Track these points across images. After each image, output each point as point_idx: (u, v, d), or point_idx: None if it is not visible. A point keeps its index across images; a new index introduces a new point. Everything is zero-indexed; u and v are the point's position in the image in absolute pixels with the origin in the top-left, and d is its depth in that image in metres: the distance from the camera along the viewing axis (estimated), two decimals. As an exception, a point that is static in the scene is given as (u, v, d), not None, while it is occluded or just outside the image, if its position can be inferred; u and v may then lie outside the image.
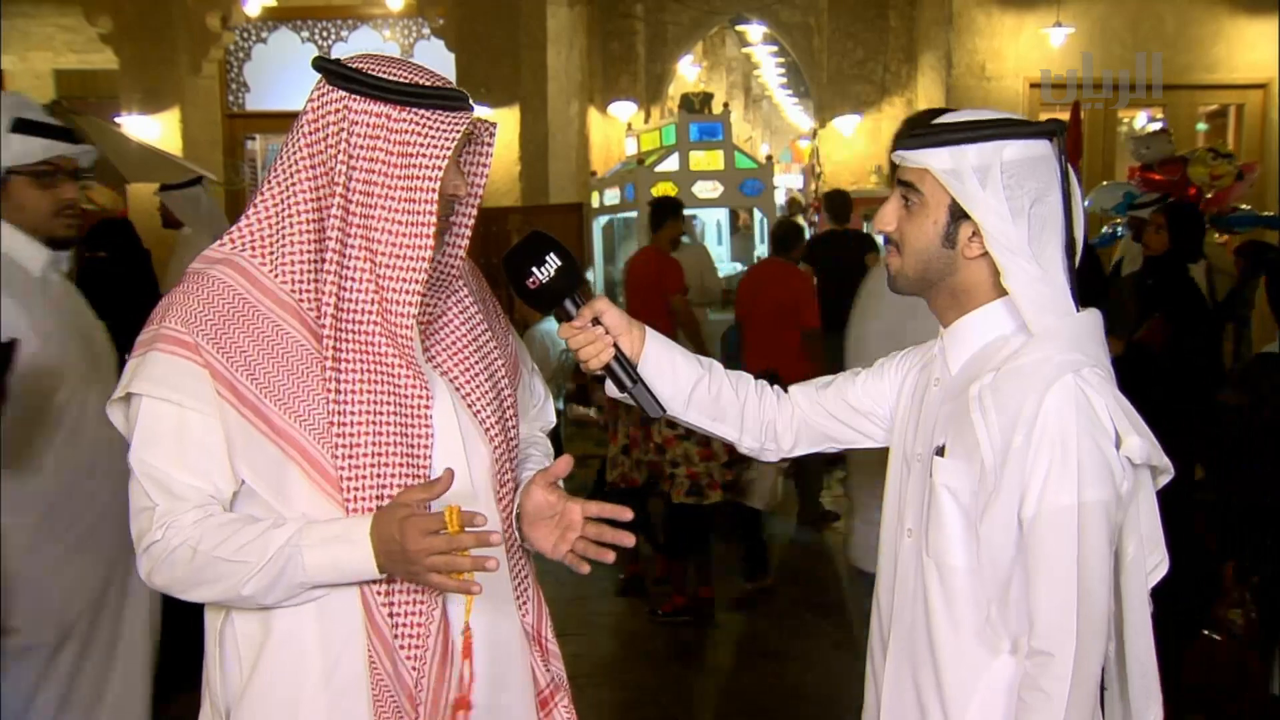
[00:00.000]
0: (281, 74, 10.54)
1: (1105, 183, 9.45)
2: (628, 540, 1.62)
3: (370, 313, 1.50)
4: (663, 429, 4.71)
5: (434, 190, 1.49)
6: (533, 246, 1.65)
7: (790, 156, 16.94)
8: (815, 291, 6.10)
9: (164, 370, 1.47)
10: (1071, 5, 10.54)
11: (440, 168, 1.48)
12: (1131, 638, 1.61)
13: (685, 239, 7.41)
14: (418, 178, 1.49)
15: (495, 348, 1.69)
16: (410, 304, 1.51)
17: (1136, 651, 1.62)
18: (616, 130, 11.74)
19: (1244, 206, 8.48)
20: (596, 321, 1.67)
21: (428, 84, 1.50)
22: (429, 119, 1.48)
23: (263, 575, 1.44)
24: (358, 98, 1.48)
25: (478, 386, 1.63)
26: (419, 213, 1.49)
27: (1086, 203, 9.06)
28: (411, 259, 1.50)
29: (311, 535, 1.45)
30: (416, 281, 1.50)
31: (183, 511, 1.47)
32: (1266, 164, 9.91)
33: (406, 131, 1.48)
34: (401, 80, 1.49)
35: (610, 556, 1.62)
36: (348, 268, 1.50)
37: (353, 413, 1.49)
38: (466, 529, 1.40)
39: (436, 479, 1.44)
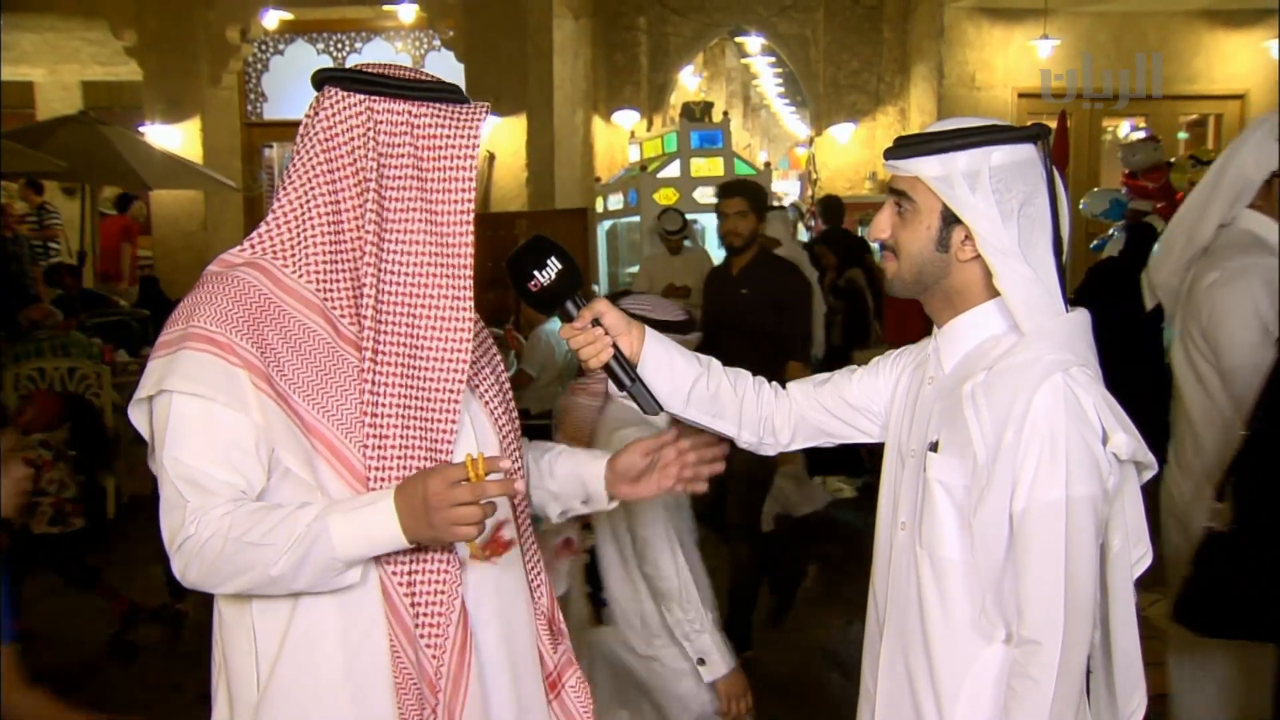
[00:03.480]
0: (298, 84, 10.77)
1: (1095, 189, 9.76)
2: (719, 468, 1.79)
3: (412, 307, 1.52)
4: None
5: (471, 178, 1.52)
6: (534, 250, 1.68)
7: (788, 163, 17.20)
8: None
9: (195, 368, 1.46)
10: (1058, 19, 10.86)
11: (473, 156, 1.52)
12: (1116, 628, 1.64)
13: (687, 243, 7.75)
14: (451, 167, 1.51)
15: (494, 343, 1.76)
16: (466, 286, 1.53)
17: (1121, 642, 1.65)
18: (620, 138, 12.02)
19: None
20: (597, 322, 1.70)
21: (431, 80, 1.55)
22: (448, 111, 1.52)
23: (291, 554, 1.42)
24: (380, 99, 1.51)
25: (489, 386, 1.68)
26: (458, 201, 1.52)
27: (1081, 206, 9.32)
28: (458, 247, 1.53)
29: (338, 508, 1.45)
30: (467, 268, 1.53)
31: (213, 506, 1.46)
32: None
33: (432, 125, 1.51)
34: (413, 79, 1.54)
35: (703, 487, 1.78)
36: (387, 263, 1.51)
37: (385, 406, 1.49)
38: (490, 476, 1.40)
39: (460, 463, 1.43)
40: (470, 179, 1.52)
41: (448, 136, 1.51)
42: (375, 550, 1.46)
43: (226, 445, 1.47)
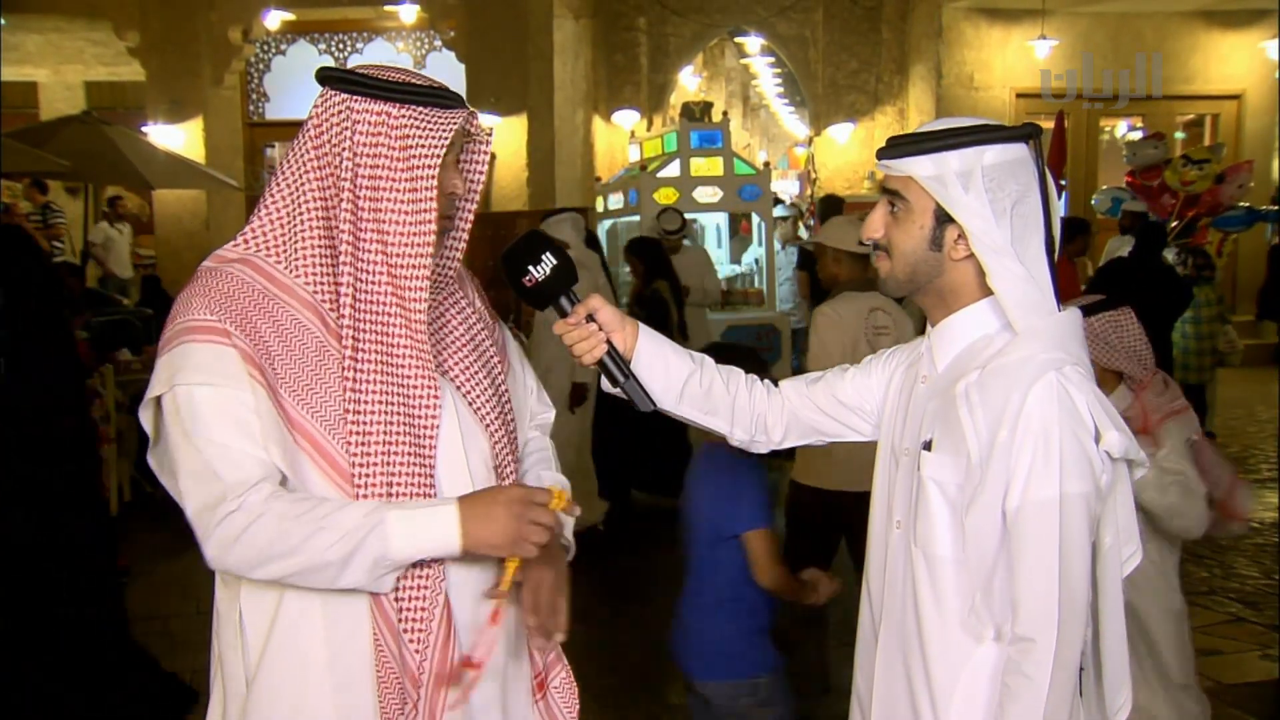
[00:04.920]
0: (299, 85, 10.93)
1: (1104, 187, 9.83)
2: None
3: (385, 304, 1.54)
4: None
5: (433, 179, 1.53)
6: (529, 246, 1.68)
7: (787, 163, 17.22)
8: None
9: (199, 358, 1.48)
10: (1055, 20, 10.94)
11: (437, 157, 1.53)
12: (1106, 625, 1.64)
13: (687, 242, 7.80)
14: (418, 168, 1.53)
15: (491, 345, 1.73)
16: (420, 288, 1.55)
17: (1111, 638, 1.65)
18: (620, 138, 12.05)
19: (1243, 204, 8.69)
20: (591, 318, 1.70)
21: (423, 84, 1.56)
22: (426, 115, 1.54)
23: (345, 543, 1.44)
24: (359, 98, 1.53)
25: (477, 384, 1.67)
26: (421, 201, 1.53)
27: (1093, 201, 9.39)
28: (419, 246, 1.54)
29: (396, 506, 1.47)
30: (424, 267, 1.55)
31: (253, 483, 1.46)
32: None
33: (406, 126, 1.53)
34: (398, 81, 1.55)
35: None
36: (362, 260, 1.54)
37: (367, 402, 1.51)
38: (561, 513, 1.55)
39: (545, 488, 1.58)
40: (432, 181, 1.54)
41: (419, 138, 1.53)
42: (423, 554, 1.49)
43: (241, 424, 1.47)
